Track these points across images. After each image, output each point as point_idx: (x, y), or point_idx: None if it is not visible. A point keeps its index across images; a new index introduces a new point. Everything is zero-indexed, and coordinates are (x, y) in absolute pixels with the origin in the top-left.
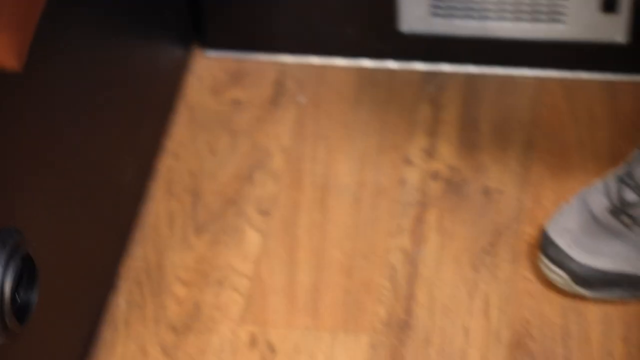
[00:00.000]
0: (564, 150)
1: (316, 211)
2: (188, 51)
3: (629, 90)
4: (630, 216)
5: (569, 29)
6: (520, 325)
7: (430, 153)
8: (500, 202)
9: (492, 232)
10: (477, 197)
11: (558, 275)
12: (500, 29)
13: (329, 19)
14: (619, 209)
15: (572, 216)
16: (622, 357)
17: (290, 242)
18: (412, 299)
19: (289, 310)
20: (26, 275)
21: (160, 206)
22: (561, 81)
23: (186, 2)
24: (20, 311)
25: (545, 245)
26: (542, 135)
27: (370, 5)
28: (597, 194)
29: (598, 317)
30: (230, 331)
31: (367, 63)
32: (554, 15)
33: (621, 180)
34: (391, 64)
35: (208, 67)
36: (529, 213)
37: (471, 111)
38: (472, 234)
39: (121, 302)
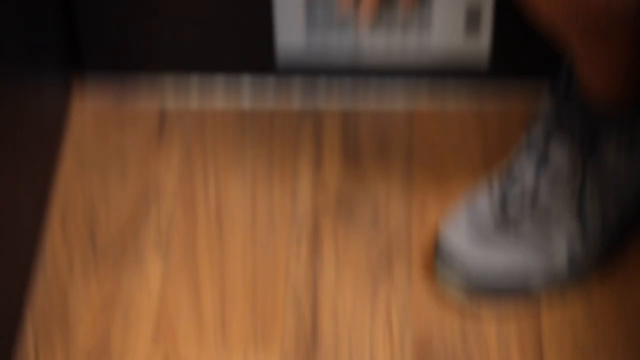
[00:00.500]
0: (442, 175)
1: (215, 250)
2: (68, 94)
3: (496, 115)
4: (515, 211)
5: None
6: (422, 337)
7: (317, 185)
8: (390, 227)
9: (386, 255)
10: (367, 224)
11: (454, 282)
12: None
13: (208, 38)
14: (505, 205)
15: (462, 222)
16: None
17: (192, 279)
18: (317, 326)
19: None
20: None
21: (57, 245)
22: (431, 111)
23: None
24: None
25: (439, 255)
26: (420, 165)
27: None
28: (482, 196)
29: (494, 330)
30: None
31: (246, 104)
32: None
33: (504, 178)
34: (268, 104)
35: (90, 108)
36: (418, 234)
37: (351, 145)
38: (366, 260)
39: (29, 342)
